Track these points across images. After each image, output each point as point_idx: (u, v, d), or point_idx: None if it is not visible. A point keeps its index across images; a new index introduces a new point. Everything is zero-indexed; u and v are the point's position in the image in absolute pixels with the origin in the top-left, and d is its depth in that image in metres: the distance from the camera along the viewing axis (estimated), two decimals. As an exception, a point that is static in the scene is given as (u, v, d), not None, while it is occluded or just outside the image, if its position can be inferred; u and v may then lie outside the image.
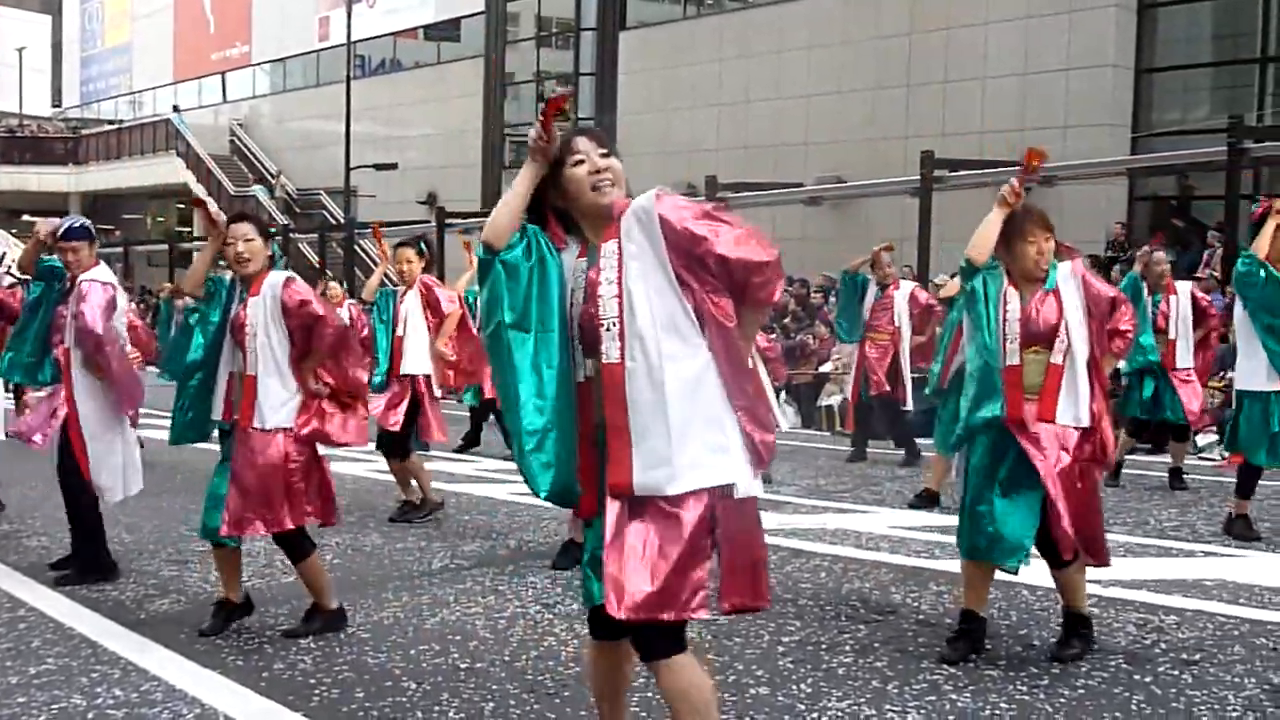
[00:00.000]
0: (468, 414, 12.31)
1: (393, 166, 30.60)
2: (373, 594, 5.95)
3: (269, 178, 39.94)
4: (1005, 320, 4.80)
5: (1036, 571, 6.39)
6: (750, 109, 25.50)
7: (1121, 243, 18.56)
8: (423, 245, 8.68)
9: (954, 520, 8.21)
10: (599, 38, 30.83)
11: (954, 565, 6.53)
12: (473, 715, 4.14)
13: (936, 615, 5.52)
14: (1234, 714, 4.12)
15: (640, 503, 3.00)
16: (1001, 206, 4.83)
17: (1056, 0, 20.70)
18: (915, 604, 5.72)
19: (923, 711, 4.13)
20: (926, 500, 8.76)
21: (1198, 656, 4.77)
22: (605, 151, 3.18)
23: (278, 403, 5.09)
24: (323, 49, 39.61)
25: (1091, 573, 6.34)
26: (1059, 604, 5.66)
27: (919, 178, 18.66)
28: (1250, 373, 7.25)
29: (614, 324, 3.03)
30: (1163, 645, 4.99)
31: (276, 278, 5.13)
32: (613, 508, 3.02)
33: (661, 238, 3.01)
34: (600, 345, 3.05)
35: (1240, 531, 7.38)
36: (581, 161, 3.15)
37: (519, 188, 3.19)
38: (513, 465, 11.16)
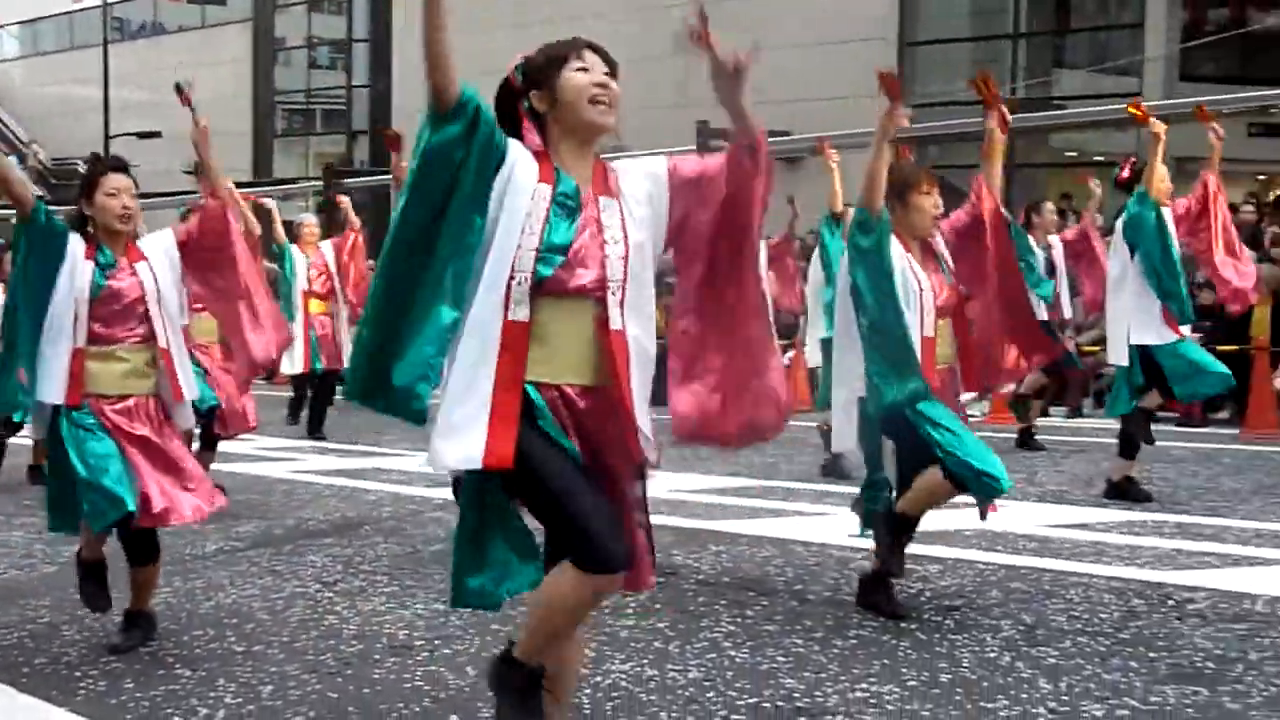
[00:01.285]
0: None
1: (156, 135, 29.26)
2: (142, 580, 5.71)
3: (20, 147, 37.66)
4: (920, 290, 4.69)
5: (812, 527, 6.64)
6: (529, 78, 25.37)
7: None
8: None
9: (730, 482, 8.47)
10: (371, 2, 30.16)
11: (732, 526, 6.72)
12: (250, 699, 4.04)
13: (715, 575, 5.65)
14: (992, 654, 4.36)
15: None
16: (882, 137, 4.61)
17: (829, -27, 21.33)
18: (695, 564, 5.84)
19: (703, 669, 4.23)
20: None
21: (959, 603, 5.02)
22: (609, 72, 2.92)
23: (190, 374, 4.72)
24: (77, 10, 37.53)
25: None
26: (833, 558, 5.89)
27: (694, 148, 18.94)
28: (1144, 326, 7.17)
29: (619, 288, 2.84)
30: (928, 594, 5.24)
31: (162, 234, 4.70)
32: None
33: (668, 201, 2.94)
34: (607, 310, 2.83)
35: (1135, 494, 7.41)
36: (585, 70, 2.88)
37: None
38: (291, 443, 10.82)
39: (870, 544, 5.14)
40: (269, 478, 8.81)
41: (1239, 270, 7.81)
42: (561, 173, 2.87)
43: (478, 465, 2.78)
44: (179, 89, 5.18)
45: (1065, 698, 3.89)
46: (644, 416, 2.89)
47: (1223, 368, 7.41)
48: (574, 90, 2.85)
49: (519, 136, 2.91)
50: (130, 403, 4.50)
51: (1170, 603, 5.02)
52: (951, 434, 4.64)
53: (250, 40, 32.38)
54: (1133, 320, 7.25)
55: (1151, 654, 4.33)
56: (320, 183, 25.77)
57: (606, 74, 2.90)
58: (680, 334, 3.10)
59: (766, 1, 22.14)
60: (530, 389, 2.82)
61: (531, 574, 2.90)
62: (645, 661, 4.32)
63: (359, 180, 26.68)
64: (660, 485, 8.07)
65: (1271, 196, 17.72)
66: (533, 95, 2.90)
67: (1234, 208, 14.79)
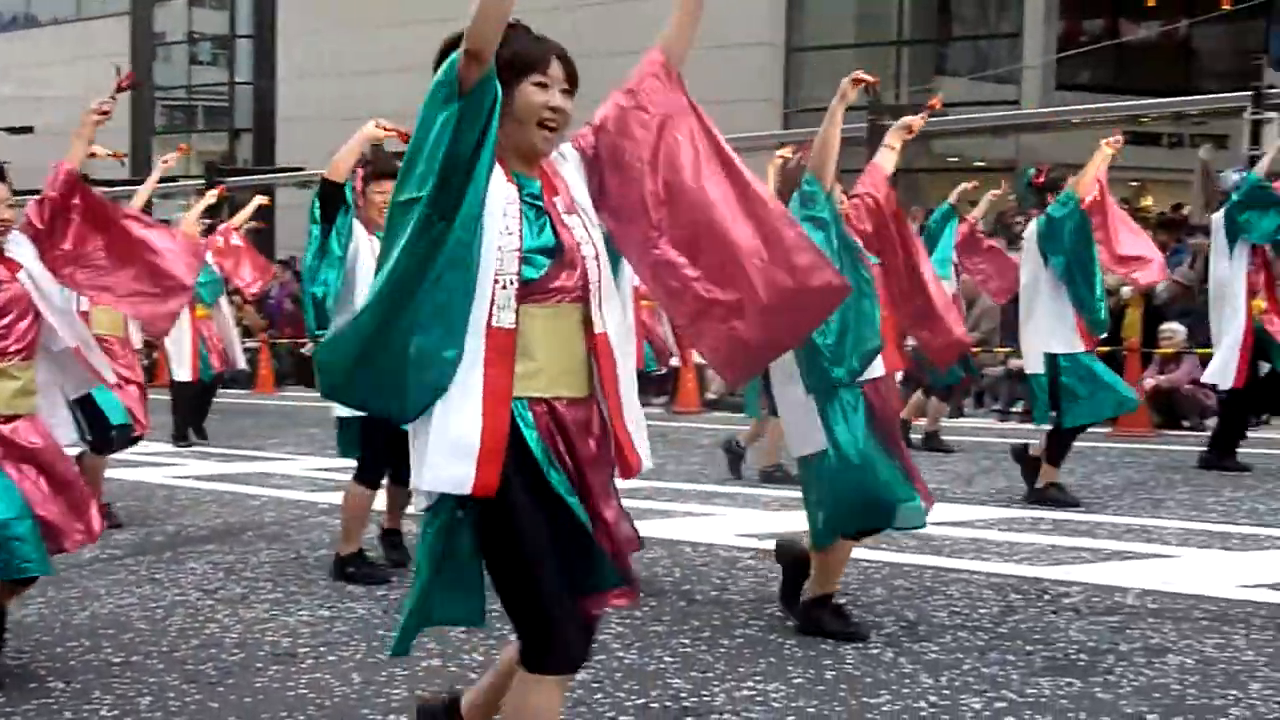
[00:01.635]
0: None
1: (28, 130, 28.38)
2: (14, 590, 5.54)
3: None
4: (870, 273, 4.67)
5: (700, 528, 6.68)
6: (413, 77, 25.07)
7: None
8: None
9: (618, 484, 8.40)
10: (256, -1, 29.68)
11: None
12: (128, 711, 3.94)
13: (605, 577, 5.66)
14: (875, 650, 4.44)
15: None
16: (840, 103, 4.59)
17: (713, -22, 21.50)
18: (585, 567, 5.84)
19: (591, 670, 4.23)
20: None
21: (843, 600, 5.09)
22: (569, 89, 2.73)
23: (104, 360, 4.77)
24: (-56, 0, 36.26)
25: (747, 526, 6.70)
26: (720, 558, 5.94)
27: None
28: (1053, 333, 7.20)
29: (597, 290, 2.75)
30: (813, 592, 5.30)
31: (17, 239, 4.47)
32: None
33: (594, 169, 2.83)
34: (590, 312, 2.73)
35: (1055, 496, 7.36)
36: (544, 86, 2.68)
37: None
38: (171, 446, 10.49)
39: (761, 545, 5.19)
40: (148, 483, 8.59)
41: (1145, 245, 8.16)
42: (520, 175, 2.72)
43: (466, 491, 2.59)
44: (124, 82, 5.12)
45: (946, 691, 3.98)
46: (636, 420, 2.86)
47: (1124, 390, 7.45)
48: (526, 109, 2.67)
49: None
50: (19, 423, 4.32)
51: (1046, 597, 5.16)
52: (851, 465, 4.47)
53: (128, 34, 31.53)
54: (1046, 327, 7.29)
55: (1028, 647, 4.45)
56: (202, 181, 25.25)
57: (565, 91, 2.72)
58: (665, 273, 2.88)
59: (649, 5, 22.28)
60: (521, 406, 2.65)
61: (471, 603, 2.80)
62: (533, 664, 4.31)
63: (242, 179, 26.18)
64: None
65: (1143, 202, 18.35)
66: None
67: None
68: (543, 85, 2.69)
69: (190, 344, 10.38)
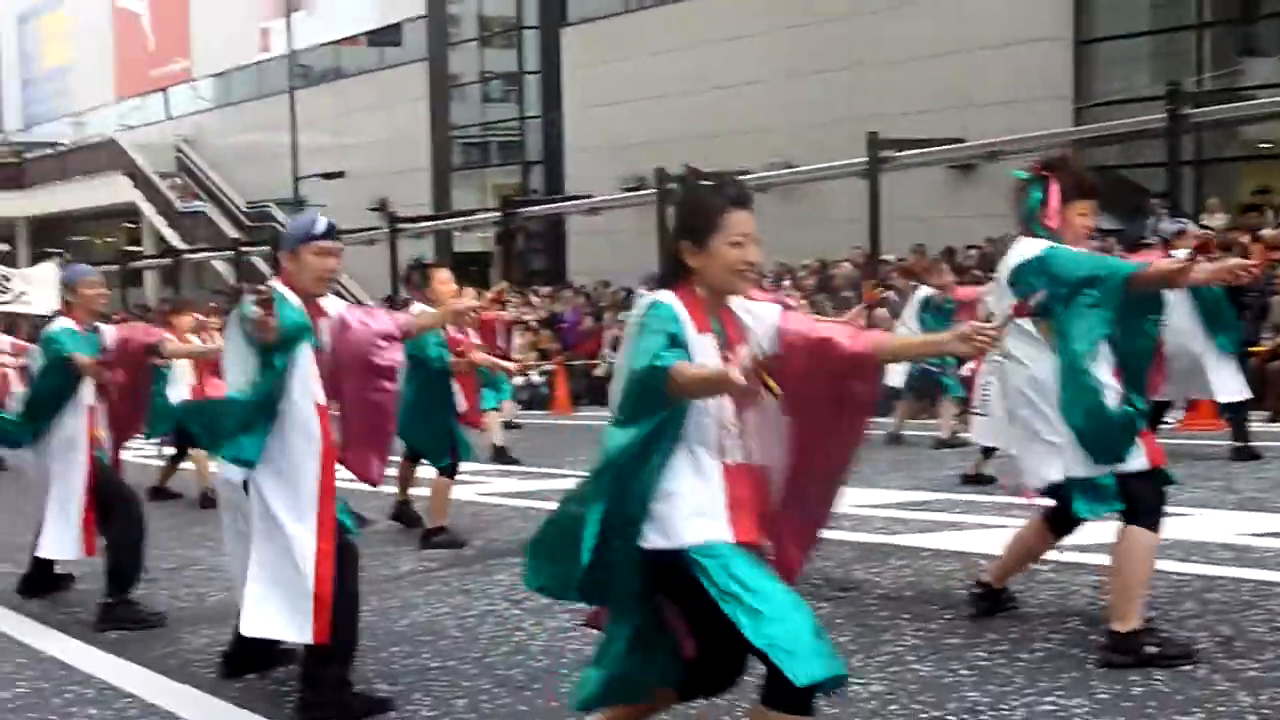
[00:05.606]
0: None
1: (340, 175, 30.46)
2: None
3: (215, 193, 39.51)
4: None
5: (994, 539, 6.52)
6: (694, 99, 25.56)
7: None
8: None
9: (910, 496, 8.35)
10: (541, 35, 30.87)
11: (913, 540, 6.64)
12: (445, 712, 4.21)
13: (897, 589, 5.62)
14: (1186, 667, 4.23)
15: None
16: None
17: (992, -23, 20.93)
18: (876, 579, 5.82)
19: (886, 682, 4.22)
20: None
21: (1152, 613, 4.87)
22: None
23: None
24: (265, 60, 39.31)
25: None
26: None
27: (866, 160, 18.81)
28: None
29: None
30: (1117, 605, 5.09)
31: None
32: None
33: None
34: None
35: None
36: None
37: None
38: (479, 466, 10.90)
39: (1061, 557, 5.04)
40: (458, 500, 9.03)
41: None
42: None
43: None
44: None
45: (1267, 711, 3.76)
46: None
47: None
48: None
49: None
50: None
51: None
52: None
53: (426, 78, 33.37)
54: None
55: (1361, 665, 4.14)
56: (498, 213, 26.44)
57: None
58: None
59: (927, 9, 21.87)
60: None
61: None
62: (827, 675, 4.32)
63: (534, 209, 27.32)
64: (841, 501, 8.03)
65: None
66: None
67: None
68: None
69: None
